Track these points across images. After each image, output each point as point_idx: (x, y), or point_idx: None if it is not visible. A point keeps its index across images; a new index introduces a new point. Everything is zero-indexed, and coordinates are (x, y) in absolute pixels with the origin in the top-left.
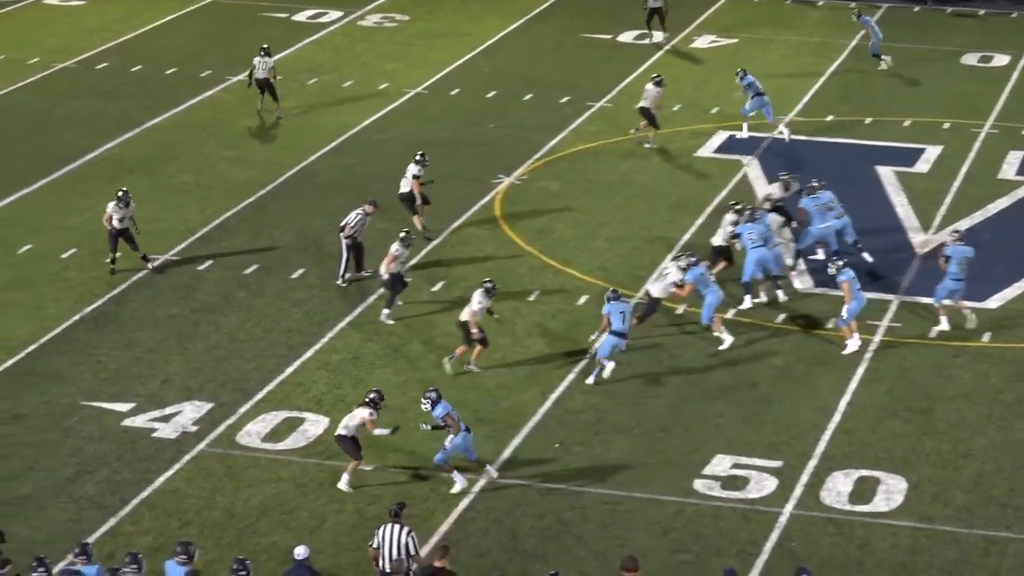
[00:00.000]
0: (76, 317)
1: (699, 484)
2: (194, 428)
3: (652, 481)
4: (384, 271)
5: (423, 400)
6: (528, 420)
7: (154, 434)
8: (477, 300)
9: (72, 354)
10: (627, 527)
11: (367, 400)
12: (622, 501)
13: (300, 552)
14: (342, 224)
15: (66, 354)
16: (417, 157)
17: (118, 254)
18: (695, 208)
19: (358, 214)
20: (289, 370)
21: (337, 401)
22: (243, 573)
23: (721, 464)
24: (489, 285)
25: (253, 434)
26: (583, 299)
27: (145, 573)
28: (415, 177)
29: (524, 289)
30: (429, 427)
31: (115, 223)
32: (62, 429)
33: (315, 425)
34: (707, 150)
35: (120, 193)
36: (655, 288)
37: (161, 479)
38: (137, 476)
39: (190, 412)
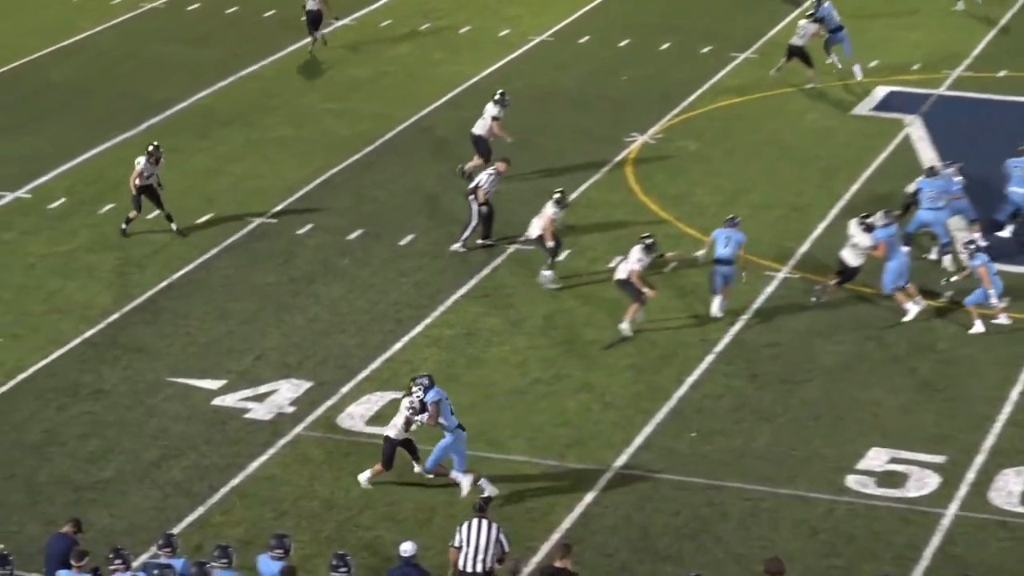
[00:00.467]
0: (163, 284)
1: (852, 480)
2: (291, 409)
3: (800, 476)
4: (539, 232)
5: (414, 386)
6: (661, 405)
7: (247, 415)
8: (636, 257)
9: (158, 325)
10: (771, 527)
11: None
12: (765, 498)
13: (407, 548)
14: (472, 187)
15: (151, 325)
16: (497, 96)
17: (134, 214)
18: (850, 173)
19: (490, 175)
20: (396, 346)
21: (449, 381)
22: (344, 570)
23: (877, 458)
24: (649, 241)
25: (356, 417)
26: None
27: (236, 568)
28: (494, 119)
29: (658, 261)
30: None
31: (140, 180)
32: (146, 408)
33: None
34: (864, 107)
35: (151, 148)
36: (849, 255)
37: (254, 465)
38: (227, 461)
39: (287, 391)
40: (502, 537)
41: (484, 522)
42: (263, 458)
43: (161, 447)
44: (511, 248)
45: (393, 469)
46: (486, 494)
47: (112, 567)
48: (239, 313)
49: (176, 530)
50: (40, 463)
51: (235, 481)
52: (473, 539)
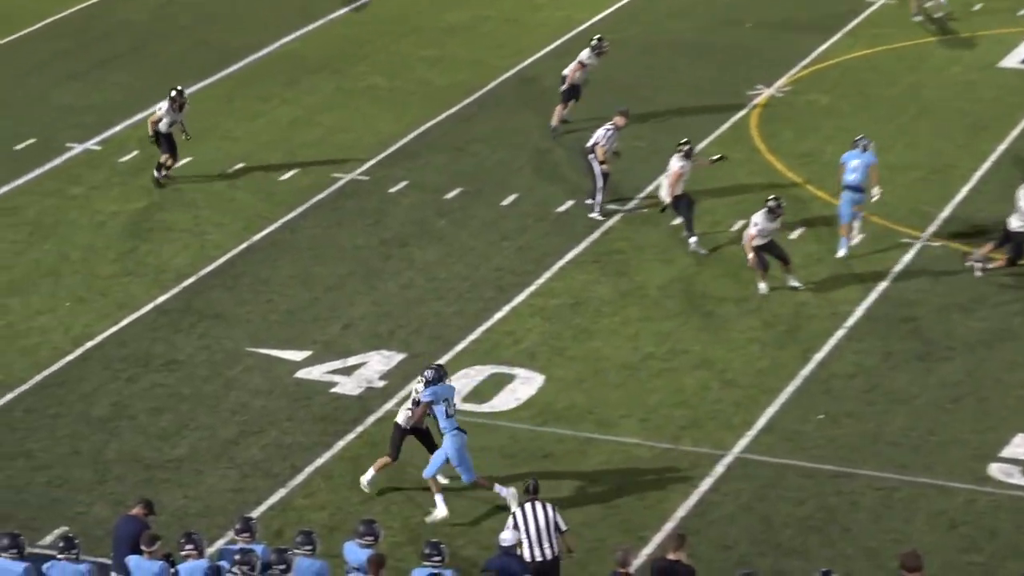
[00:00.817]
0: (243, 245)
1: (995, 469)
2: (381, 384)
3: (937, 464)
4: (666, 194)
5: (419, 377)
6: (786, 385)
7: (333, 389)
8: (754, 223)
9: (237, 290)
10: (905, 519)
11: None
12: (900, 487)
13: (506, 537)
14: (590, 144)
15: (231, 290)
16: (594, 42)
17: (166, 158)
18: (997, 131)
19: (608, 129)
20: (497, 316)
21: (554, 355)
22: (437, 559)
23: (1023, 445)
24: (773, 203)
25: None
26: (856, 239)
27: (320, 555)
28: (582, 64)
29: (784, 225)
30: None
31: (162, 126)
32: (224, 380)
33: (527, 384)
34: (1013, 59)
35: (174, 93)
36: (1017, 222)
37: (340, 444)
38: (312, 439)
39: (377, 364)
40: (559, 519)
41: (539, 505)
42: (350, 437)
43: (239, 423)
44: (626, 210)
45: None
46: (439, 516)
47: (184, 552)
48: (326, 278)
49: (255, 514)
50: (108, 439)
51: (320, 461)
52: (532, 525)
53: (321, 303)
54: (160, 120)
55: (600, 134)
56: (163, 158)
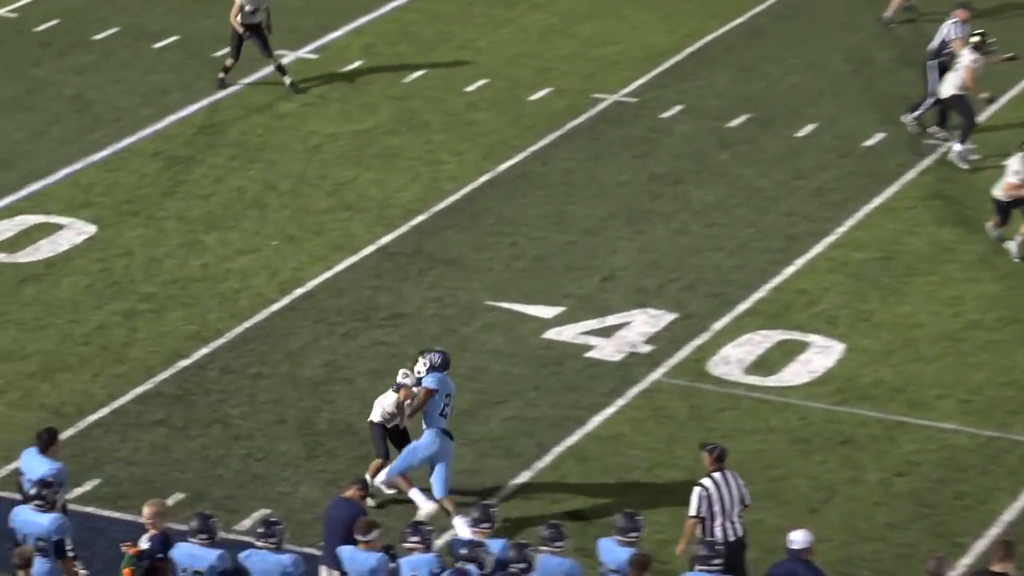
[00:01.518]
0: (484, 178)
1: None
2: (647, 348)
3: None
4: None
5: (421, 358)
6: None
7: (589, 354)
8: (1013, 170)
9: (476, 231)
10: None
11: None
12: None
13: (798, 539)
14: (932, 48)
15: (468, 231)
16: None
17: (231, 62)
18: None
19: (952, 25)
20: (788, 271)
21: (857, 320)
22: (716, 563)
23: None
24: None
25: (733, 361)
26: None
27: (568, 553)
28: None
29: None
30: None
31: (243, 18)
32: (458, 339)
33: (823, 354)
34: None
35: None
36: None
37: (597, 419)
38: (562, 413)
39: (642, 325)
40: (745, 492)
41: (729, 474)
42: (609, 411)
43: (476, 391)
44: (947, 146)
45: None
46: (422, 514)
47: (408, 544)
48: (582, 220)
49: (493, 500)
50: (319, 405)
51: (571, 440)
52: (726, 496)
53: (576, 249)
54: (241, 9)
55: (946, 31)
56: (228, 62)
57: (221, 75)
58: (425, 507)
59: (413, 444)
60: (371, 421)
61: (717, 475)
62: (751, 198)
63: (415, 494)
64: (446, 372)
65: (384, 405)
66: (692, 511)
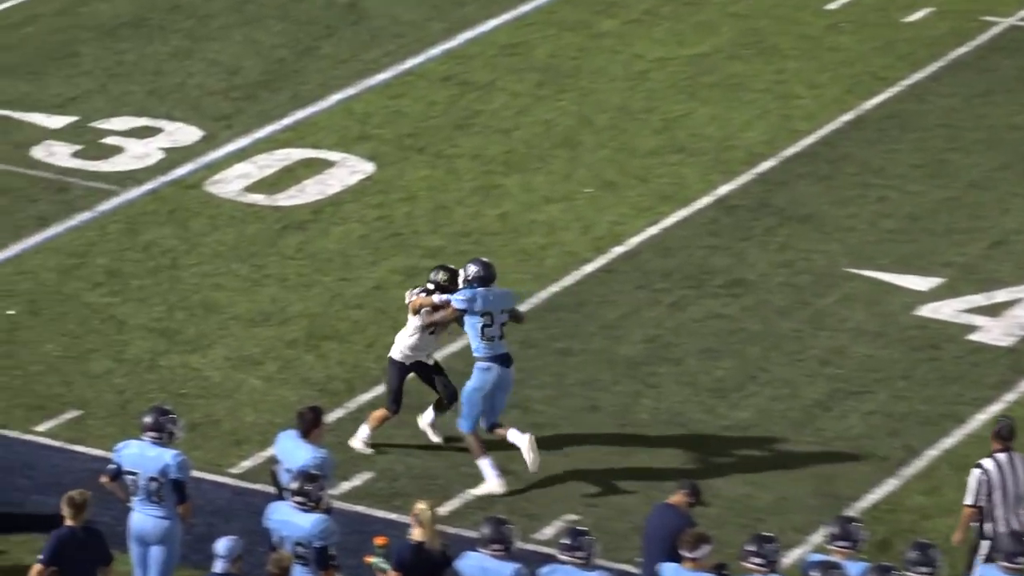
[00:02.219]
0: (845, 117)
1: None
2: None
3: None
4: None
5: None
6: None
7: (972, 336)
8: None
9: (836, 182)
10: None
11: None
12: None
13: None
14: None
15: (826, 181)
16: None
17: None
18: None
19: None
20: None
21: None
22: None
23: None
24: None
25: None
26: None
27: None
28: None
29: None
30: None
31: None
32: (811, 314)
33: None
34: None
35: None
36: None
37: (980, 417)
38: (937, 409)
39: None
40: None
41: (1017, 458)
42: (994, 407)
43: (831, 378)
44: None
45: None
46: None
47: (748, 564)
48: (967, 171)
49: (856, 510)
50: (640, 389)
51: (947, 442)
52: (1009, 483)
53: (959, 207)
54: None
55: None
56: None
57: None
58: (490, 483)
59: (465, 388)
60: (391, 358)
61: (1002, 456)
62: None
63: (484, 465)
64: (488, 284)
65: (404, 336)
66: (969, 499)
